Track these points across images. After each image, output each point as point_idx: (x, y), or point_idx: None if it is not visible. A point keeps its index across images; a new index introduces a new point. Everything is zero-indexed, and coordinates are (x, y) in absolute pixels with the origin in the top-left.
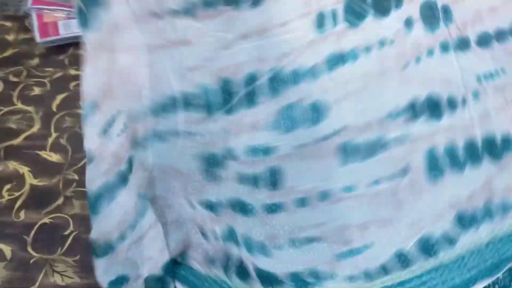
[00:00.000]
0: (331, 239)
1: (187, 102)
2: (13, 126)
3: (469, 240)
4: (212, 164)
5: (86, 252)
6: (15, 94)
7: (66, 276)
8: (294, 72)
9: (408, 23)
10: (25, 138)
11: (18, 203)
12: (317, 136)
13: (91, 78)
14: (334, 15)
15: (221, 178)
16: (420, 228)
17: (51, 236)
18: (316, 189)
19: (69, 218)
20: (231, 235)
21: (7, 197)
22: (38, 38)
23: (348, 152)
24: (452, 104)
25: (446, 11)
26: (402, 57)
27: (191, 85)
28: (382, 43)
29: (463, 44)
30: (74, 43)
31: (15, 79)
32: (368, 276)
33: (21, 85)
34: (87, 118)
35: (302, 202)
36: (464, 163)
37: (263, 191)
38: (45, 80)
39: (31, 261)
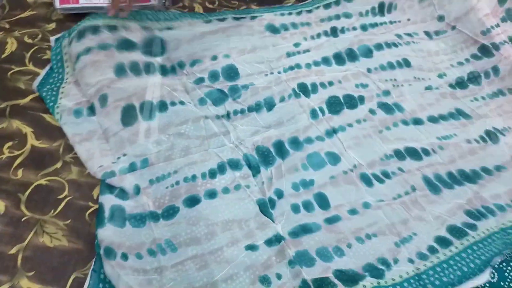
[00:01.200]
0: (385, 233)
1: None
2: (22, 86)
3: (485, 226)
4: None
5: (77, 218)
6: (28, 55)
7: (55, 238)
8: (306, 139)
9: (371, 111)
10: (32, 99)
11: (17, 161)
12: (339, 171)
13: None
14: (321, 110)
15: (275, 217)
16: (444, 221)
17: (45, 197)
18: (358, 202)
19: (65, 182)
20: (300, 258)
21: (7, 154)
22: (57, 4)
23: (367, 179)
24: (425, 151)
25: (398, 106)
26: (375, 127)
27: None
28: (358, 121)
29: (418, 121)
30: (91, 13)
31: (29, 41)
32: (421, 256)
33: (35, 48)
34: None
35: (352, 212)
36: (452, 184)
37: (318, 212)
38: None
39: (23, 219)
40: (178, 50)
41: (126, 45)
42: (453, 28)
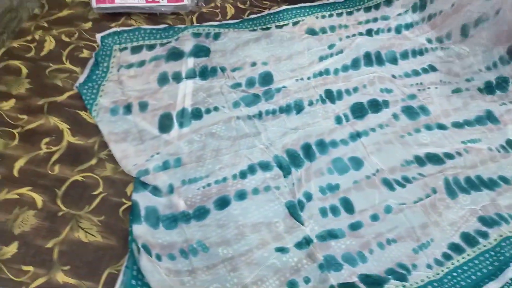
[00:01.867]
0: (404, 238)
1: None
2: (59, 83)
3: (497, 233)
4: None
5: (111, 214)
6: (65, 53)
7: (89, 233)
8: (331, 141)
9: (395, 115)
10: (69, 97)
11: (54, 157)
12: (362, 176)
13: None
14: (345, 116)
15: (304, 220)
16: (458, 228)
17: (80, 193)
18: (380, 206)
19: (100, 179)
20: (328, 263)
21: (45, 149)
22: (94, 3)
23: (389, 184)
24: (448, 155)
25: (424, 109)
26: (397, 132)
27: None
28: (381, 126)
29: (442, 126)
30: (126, 13)
31: (66, 39)
32: (438, 263)
33: (72, 46)
34: None
35: (374, 217)
36: (468, 189)
37: (344, 216)
38: (95, 44)
39: (59, 214)
40: (223, 57)
41: (175, 55)
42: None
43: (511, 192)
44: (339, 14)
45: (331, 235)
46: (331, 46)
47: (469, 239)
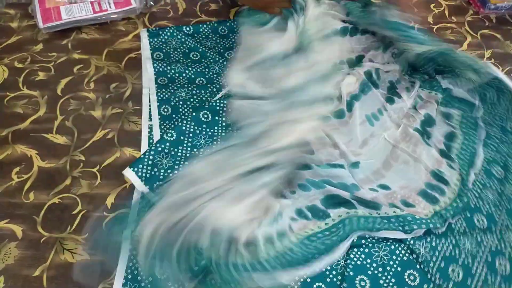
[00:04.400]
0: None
1: None
2: (20, 110)
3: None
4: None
5: (94, 229)
6: (21, 79)
7: (76, 253)
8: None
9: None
10: (31, 122)
11: (27, 185)
12: None
13: None
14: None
15: None
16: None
17: (60, 215)
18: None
19: (77, 197)
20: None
21: (16, 180)
22: (41, 24)
23: None
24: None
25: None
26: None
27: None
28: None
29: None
30: (76, 28)
31: (20, 65)
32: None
33: (26, 71)
34: None
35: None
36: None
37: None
38: (49, 65)
39: (42, 240)
40: None
41: None
42: None
43: None
44: None
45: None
46: None
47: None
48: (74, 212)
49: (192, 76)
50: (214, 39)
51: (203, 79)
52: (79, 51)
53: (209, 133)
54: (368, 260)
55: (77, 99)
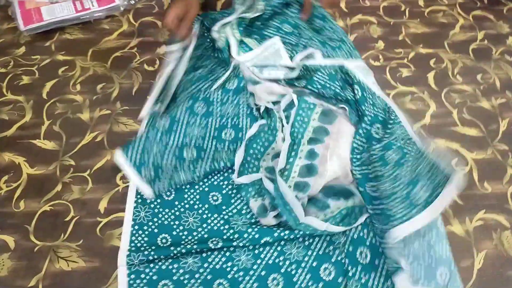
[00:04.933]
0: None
1: None
2: (5, 117)
3: None
4: None
5: (88, 236)
6: (4, 85)
7: (71, 261)
8: None
9: None
10: (18, 128)
11: (17, 193)
12: None
13: None
14: None
15: None
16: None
17: (52, 223)
18: None
19: (69, 204)
20: None
21: (5, 189)
22: (22, 27)
23: None
24: None
25: None
26: None
27: None
28: None
29: None
30: (59, 28)
31: (2, 70)
32: None
33: (10, 75)
34: None
35: None
36: None
37: None
38: (33, 68)
39: (35, 249)
40: None
41: None
42: None
43: None
44: None
45: None
46: None
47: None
48: (67, 219)
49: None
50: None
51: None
52: (63, 52)
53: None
54: (281, 258)
55: (64, 102)
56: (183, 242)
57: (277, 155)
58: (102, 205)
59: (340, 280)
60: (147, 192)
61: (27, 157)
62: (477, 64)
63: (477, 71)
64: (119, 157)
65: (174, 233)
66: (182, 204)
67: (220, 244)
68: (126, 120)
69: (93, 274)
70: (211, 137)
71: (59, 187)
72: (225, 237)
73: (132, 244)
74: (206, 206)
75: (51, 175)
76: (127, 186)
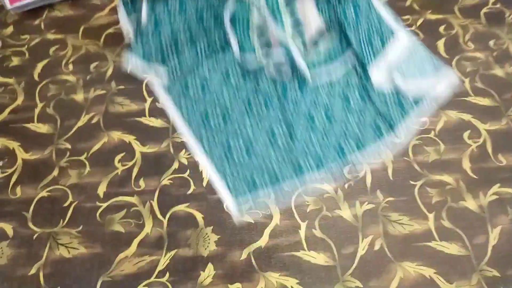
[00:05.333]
0: None
1: None
2: None
3: None
4: None
5: (88, 221)
6: None
7: (71, 247)
8: None
9: None
10: (10, 112)
11: (13, 179)
12: None
13: None
14: None
15: None
16: None
17: (50, 209)
18: None
19: (66, 189)
20: None
21: (0, 175)
22: (8, 5)
23: None
24: None
25: None
26: None
27: None
28: None
29: None
30: (48, 5)
31: None
32: None
33: None
34: None
35: None
36: None
37: None
38: (23, 49)
39: (34, 236)
40: None
41: None
42: None
43: None
44: None
45: None
46: None
47: None
48: (65, 205)
49: None
50: None
51: None
52: (54, 30)
53: None
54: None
55: (57, 83)
56: None
57: (261, 31)
58: (101, 189)
59: None
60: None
61: (22, 142)
62: (489, 29)
63: (489, 36)
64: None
65: None
66: None
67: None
68: (122, 100)
69: (95, 261)
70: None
71: (55, 172)
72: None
73: None
74: None
75: (47, 159)
76: (127, 169)
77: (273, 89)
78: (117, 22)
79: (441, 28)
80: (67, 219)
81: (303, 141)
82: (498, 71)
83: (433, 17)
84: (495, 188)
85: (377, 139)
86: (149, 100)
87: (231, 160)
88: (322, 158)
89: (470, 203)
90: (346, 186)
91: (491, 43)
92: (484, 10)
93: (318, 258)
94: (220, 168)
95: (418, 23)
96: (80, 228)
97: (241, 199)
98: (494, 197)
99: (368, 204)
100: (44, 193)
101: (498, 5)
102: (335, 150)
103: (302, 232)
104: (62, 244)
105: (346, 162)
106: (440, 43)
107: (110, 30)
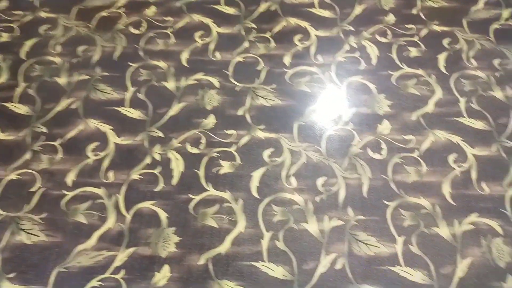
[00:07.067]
0: None
1: None
2: None
3: None
4: None
5: (53, 209)
6: None
7: (32, 234)
8: None
9: None
10: None
11: None
12: None
13: None
14: None
15: None
16: None
17: (18, 192)
18: None
19: (37, 173)
20: None
21: None
22: None
23: None
24: None
25: None
26: None
27: None
28: None
29: None
30: None
31: None
32: None
33: None
34: None
35: None
36: None
37: None
38: (14, 25)
39: None
40: None
41: None
42: None
43: None
44: None
45: None
46: None
47: None
48: (33, 189)
49: None
50: None
51: None
52: (47, 9)
53: None
54: None
55: (42, 64)
56: None
57: None
58: (70, 178)
59: None
60: None
61: None
62: (497, 47)
63: (495, 55)
64: None
65: None
66: None
67: None
68: (104, 87)
69: (54, 250)
70: None
71: (28, 155)
72: None
73: None
74: None
75: (21, 141)
76: (98, 160)
77: None
78: (111, 5)
79: (445, 41)
80: (32, 204)
81: None
82: (498, 93)
83: (439, 28)
84: (472, 217)
85: None
86: (131, 89)
87: None
88: None
89: (443, 231)
90: (317, 199)
91: (496, 62)
92: (495, 25)
93: (276, 271)
94: None
95: (422, 34)
96: (44, 215)
97: None
98: (470, 227)
99: (337, 220)
100: (13, 176)
101: (510, 22)
102: None
103: (265, 243)
104: (24, 230)
105: None
106: (441, 57)
107: (103, 13)
